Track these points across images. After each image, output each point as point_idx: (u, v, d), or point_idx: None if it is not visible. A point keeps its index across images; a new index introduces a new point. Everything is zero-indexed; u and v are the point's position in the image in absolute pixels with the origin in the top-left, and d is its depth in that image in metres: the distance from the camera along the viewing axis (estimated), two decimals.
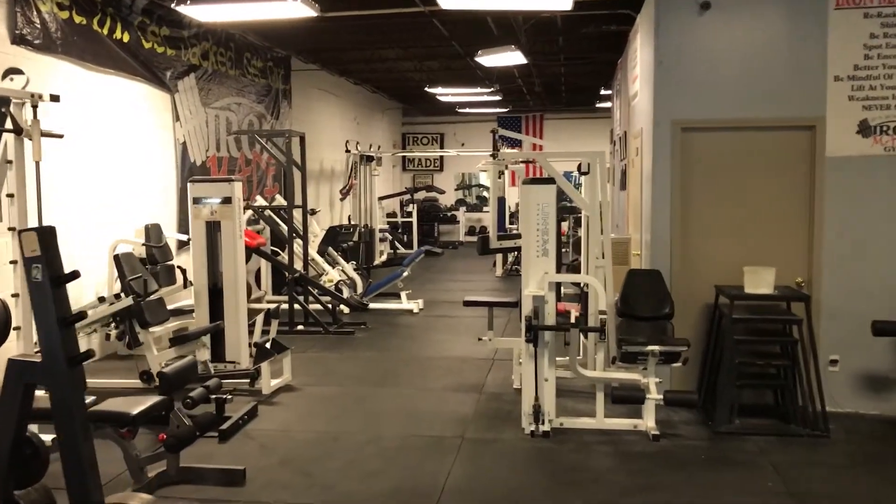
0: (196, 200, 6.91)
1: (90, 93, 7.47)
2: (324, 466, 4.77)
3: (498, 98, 15.53)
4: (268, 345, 6.36)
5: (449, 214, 20.16)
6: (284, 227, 9.37)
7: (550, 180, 5.33)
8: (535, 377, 5.21)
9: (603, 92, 14.83)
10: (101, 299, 6.39)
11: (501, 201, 13.73)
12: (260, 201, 10.29)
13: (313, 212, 10.96)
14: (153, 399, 4.36)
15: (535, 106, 19.07)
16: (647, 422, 5.27)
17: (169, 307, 7.75)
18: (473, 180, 21.94)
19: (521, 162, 6.11)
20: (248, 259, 9.39)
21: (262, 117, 11.37)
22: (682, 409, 5.50)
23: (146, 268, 7.47)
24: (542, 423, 5.20)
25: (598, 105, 17.30)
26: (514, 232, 7.02)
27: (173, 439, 4.22)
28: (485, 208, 21.11)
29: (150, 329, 6.43)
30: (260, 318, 7.05)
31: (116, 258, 6.44)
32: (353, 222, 13.94)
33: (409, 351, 7.95)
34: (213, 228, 6.94)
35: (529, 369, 5.24)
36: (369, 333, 8.74)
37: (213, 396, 5.45)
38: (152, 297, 6.48)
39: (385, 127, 19.23)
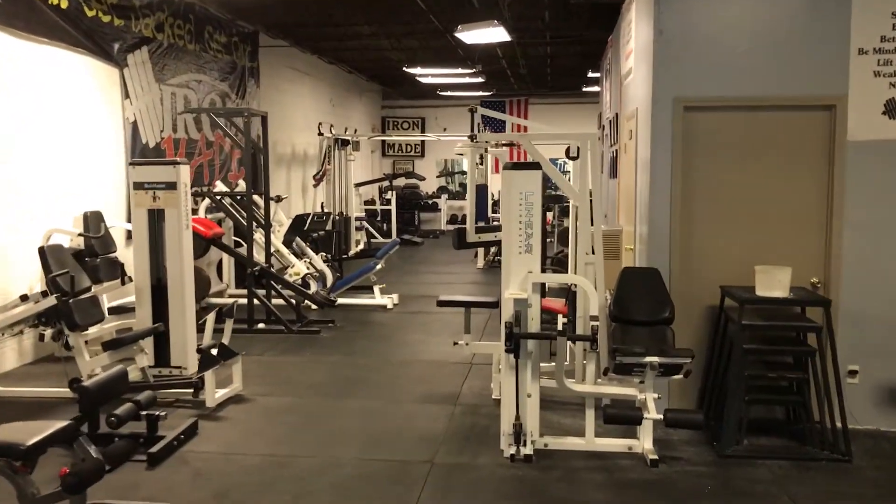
0: (137, 186, 6.15)
1: (22, 64, 6.67)
2: (265, 502, 4.05)
3: (481, 80, 14.80)
4: (214, 350, 5.61)
5: (430, 202, 19.42)
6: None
7: (535, 165, 4.61)
8: (516, 392, 4.51)
9: (591, 74, 14.14)
10: (24, 297, 5.61)
11: (483, 189, 12.99)
12: (220, 187, 9.50)
13: (279, 198, 10.19)
14: (55, 425, 3.61)
15: (519, 90, 18.34)
16: (644, 443, 4.59)
17: (112, 304, 7.03)
18: (456, 167, 21.20)
19: (504, 145, 5.40)
20: (205, 251, 8.66)
21: (226, 96, 10.56)
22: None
23: (85, 261, 6.72)
24: (524, 446, 4.51)
25: (585, 89, 16.61)
26: (496, 224, 6.28)
27: (74, 477, 3.47)
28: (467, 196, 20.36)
29: (83, 331, 5.67)
30: (211, 318, 6.28)
31: (41, 251, 5.67)
32: (325, 210, 13.17)
33: (378, 354, 7.23)
34: (156, 217, 6.18)
35: (510, 383, 4.54)
36: (337, 333, 8.01)
37: (145, 413, 4.73)
38: (85, 294, 5.71)
39: (363, 110, 18.43)
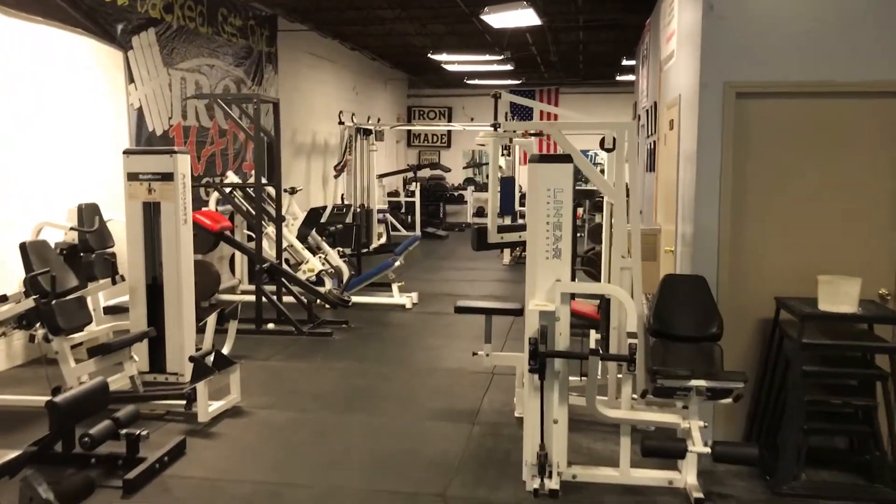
0: (131, 176, 5.68)
1: (13, 46, 6.21)
2: None
3: (510, 68, 14.18)
4: (210, 358, 5.11)
5: (456, 194, 18.84)
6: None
7: (565, 158, 4.03)
8: (541, 418, 3.95)
9: (625, 62, 13.46)
10: (4, 298, 5.15)
11: (510, 182, 12.37)
12: (231, 178, 9.02)
13: (293, 190, 9.67)
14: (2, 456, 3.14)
15: (550, 78, 17.68)
16: (688, 477, 4.01)
17: (109, 303, 6.58)
18: (483, 158, 20.58)
19: (532, 135, 4.82)
20: (214, 245, 8.19)
21: (242, 83, 10.07)
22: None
23: (79, 257, 6.27)
24: (550, 478, 3.95)
25: (618, 78, 15.91)
26: (522, 222, 5.71)
27: None
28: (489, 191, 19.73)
29: (68, 335, 5.20)
30: (211, 320, 5.78)
31: (22, 247, 5.20)
32: (346, 202, 12.66)
33: (392, 360, 6.69)
34: (152, 211, 5.71)
35: (534, 407, 3.97)
36: (350, 335, 7.49)
37: (124, 431, 4.26)
38: (71, 295, 5.24)
39: (388, 98, 17.88)
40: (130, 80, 7.67)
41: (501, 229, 5.08)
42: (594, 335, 3.96)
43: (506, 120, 11.91)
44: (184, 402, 5.00)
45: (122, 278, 5.77)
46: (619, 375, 4.61)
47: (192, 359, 4.98)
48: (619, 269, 4.85)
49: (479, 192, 19.50)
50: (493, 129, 5.07)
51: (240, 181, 9.13)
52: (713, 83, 4.55)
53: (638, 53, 10.99)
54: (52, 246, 6.23)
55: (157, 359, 5.78)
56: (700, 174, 4.62)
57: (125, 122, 7.63)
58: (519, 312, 5.20)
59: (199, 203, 8.87)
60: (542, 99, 18.61)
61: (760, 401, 4.55)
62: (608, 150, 5.09)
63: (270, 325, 7.53)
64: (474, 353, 5.29)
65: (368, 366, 6.44)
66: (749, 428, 4.62)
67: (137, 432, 4.19)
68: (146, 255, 5.71)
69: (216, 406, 5.07)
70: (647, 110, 8.40)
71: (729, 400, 4.04)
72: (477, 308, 5.27)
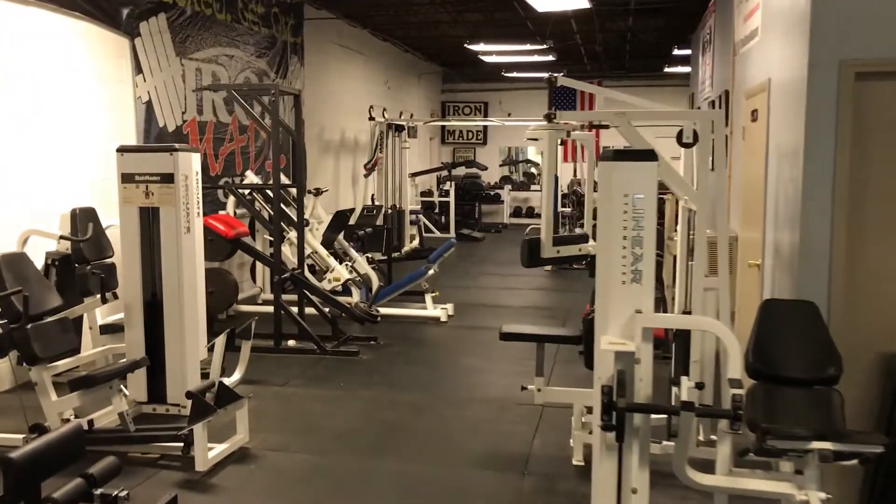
0: (126, 178, 4.94)
1: (4, 31, 5.50)
2: None
3: (551, 59, 13.30)
4: (211, 392, 4.32)
5: (492, 193, 17.98)
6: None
7: (649, 154, 3.17)
8: (617, 488, 3.10)
9: (677, 52, 12.50)
10: None
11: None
12: (251, 178, 8.27)
13: (318, 191, 8.90)
14: None
15: (592, 71, 16.72)
16: None
17: (107, 320, 5.86)
18: (520, 155, 19.71)
19: (593, 127, 3.99)
20: (231, 252, 7.46)
21: (264, 75, 9.33)
22: None
23: (73, 268, 5.55)
24: None
25: (667, 70, 14.96)
26: (578, 232, 4.84)
27: None
28: (533, 187, 18.87)
29: (49, 363, 4.47)
30: (220, 342, 5.01)
31: None
32: (376, 203, 11.88)
33: (426, 387, 5.87)
34: (149, 217, 4.96)
35: (607, 472, 3.13)
36: (378, 354, 6.69)
37: (99, 492, 3.47)
38: (52, 317, 4.50)
39: (422, 94, 17.07)
40: (138, 70, 6.94)
41: (558, 241, 4.24)
42: (686, 382, 3.12)
43: (555, 108, 11.08)
44: (181, 445, 4.23)
45: (115, 295, 5.03)
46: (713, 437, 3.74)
47: (189, 394, 4.20)
48: (703, 291, 4.00)
49: (517, 191, 18.64)
50: (546, 120, 4.23)
51: (260, 182, 8.39)
52: (826, 62, 3.67)
53: (696, 40, 10.05)
54: (45, 256, 5.55)
55: (157, 387, 5.04)
56: (808, 174, 3.73)
57: (132, 117, 6.90)
58: (577, 340, 4.36)
59: (217, 205, 8.15)
60: (584, 93, 17.64)
61: (885, 457, 3.65)
62: (686, 146, 4.24)
63: (291, 342, 6.76)
64: (523, 388, 4.47)
65: (399, 394, 5.63)
66: (868, 494, 3.73)
67: (115, 493, 3.41)
68: (143, 268, 4.98)
69: (219, 450, 4.29)
70: (713, 101, 7.47)
71: (854, 462, 3.16)
72: (526, 335, 4.42)
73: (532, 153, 19.71)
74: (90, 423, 4.47)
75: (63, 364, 4.77)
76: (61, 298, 4.62)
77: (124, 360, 5.17)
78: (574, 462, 4.30)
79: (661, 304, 5.95)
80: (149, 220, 4.96)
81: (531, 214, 18.05)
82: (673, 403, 3.68)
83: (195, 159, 5.11)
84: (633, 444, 3.07)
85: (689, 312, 4.25)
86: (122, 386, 4.40)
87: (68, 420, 4.43)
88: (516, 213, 18.32)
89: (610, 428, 2.99)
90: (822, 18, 3.67)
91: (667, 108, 4.93)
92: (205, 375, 4.97)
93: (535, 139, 4.21)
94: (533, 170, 19.65)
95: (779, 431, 3.03)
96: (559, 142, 4.53)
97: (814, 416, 3.27)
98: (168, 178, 4.84)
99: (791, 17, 4.13)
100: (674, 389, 3.71)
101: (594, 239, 4.06)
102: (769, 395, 3.43)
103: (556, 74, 4.58)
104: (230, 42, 8.53)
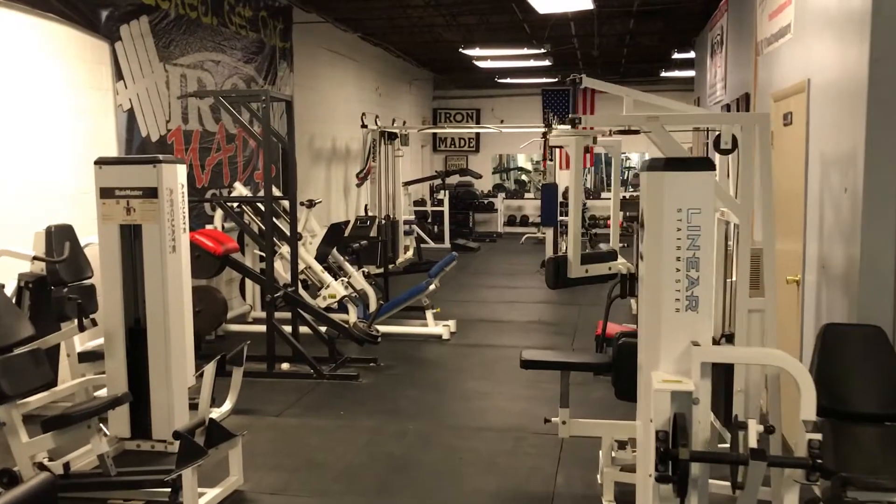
0: (105, 192, 4.50)
1: None
2: None
3: (546, 64, 12.95)
4: (201, 432, 3.88)
5: (486, 202, 17.58)
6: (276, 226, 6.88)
7: (704, 163, 2.78)
8: None
9: (677, 55, 12.17)
10: None
11: (550, 189, 11.10)
12: (239, 189, 7.83)
13: (311, 203, 8.47)
14: None
15: (587, 77, 16.35)
16: None
17: (88, 346, 5.40)
18: (511, 163, 19.34)
19: (621, 132, 3.61)
20: (219, 270, 7.01)
21: (252, 81, 8.89)
22: None
23: (48, 291, 5.09)
24: None
25: (664, 74, 14.64)
26: (602, 247, 4.41)
27: None
28: (526, 195, 18.51)
29: (19, 399, 4.01)
30: (210, 370, 4.57)
31: None
32: (369, 213, 11.45)
33: (431, 414, 5.44)
34: (131, 235, 4.53)
35: None
36: (379, 376, 6.26)
37: None
38: (22, 348, 4.05)
39: (413, 101, 16.66)
40: (119, 76, 6.49)
41: (587, 259, 3.83)
42: (754, 425, 2.70)
43: (549, 120, 10.69)
44: (168, 491, 3.78)
45: (94, 322, 4.58)
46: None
47: (177, 434, 3.75)
48: (747, 313, 3.60)
49: (510, 199, 18.27)
50: (570, 125, 3.84)
51: (249, 193, 7.95)
52: (890, 58, 3.28)
53: (702, 42, 9.71)
54: (17, 278, 5.09)
55: (141, 421, 4.59)
56: (870, 183, 3.35)
57: (112, 127, 6.45)
58: (607, 368, 3.95)
59: (204, 219, 7.70)
60: (579, 99, 17.30)
61: None
62: (724, 152, 3.85)
63: (285, 366, 6.32)
64: (546, 421, 4.06)
65: (403, 422, 5.19)
66: None
67: None
68: (125, 291, 4.53)
69: (211, 496, 3.85)
70: (727, 106, 7.10)
71: None
72: (550, 363, 4.01)
73: (522, 160, 19.34)
74: (66, 466, 4.02)
75: (36, 399, 4.30)
76: (33, 327, 4.15)
77: (104, 390, 4.75)
78: (605, 503, 3.89)
79: None
80: (130, 239, 4.52)
81: (525, 223, 17.69)
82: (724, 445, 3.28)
83: (181, 171, 4.67)
84: (694, 496, 2.66)
85: (730, 336, 3.87)
86: (101, 425, 3.95)
87: (41, 464, 3.98)
88: (510, 221, 17.94)
89: (667, 479, 2.59)
90: (884, 9, 3.29)
91: (703, 111, 4.54)
92: (193, 406, 4.54)
93: (560, 145, 3.80)
94: (523, 177, 19.27)
95: (861, 482, 2.63)
96: (586, 148, 4.13)
97: (892, 460, 2.88)
98: (151, 193, 4.40)
99: (839, 11, 3.76)
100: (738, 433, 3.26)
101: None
102: (837, 434, 3.03)
103: (579, 76, 4.16)
104: (216, 47, 8.09)
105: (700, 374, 2.68)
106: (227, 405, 5.10)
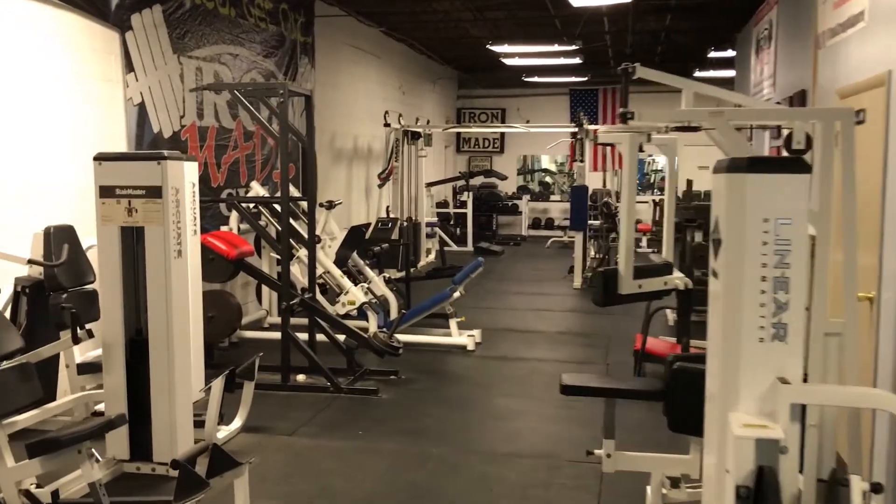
0: (105, 191, 4.12)
1: None
2: None
3: (576, 62, 12.50)
4: (203, 460, 3.48)
5: (510, 204, 17.13)
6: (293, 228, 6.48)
7: (798, 165, 2.34)
8: None
9: (714, 54, 11.68)
10: None
11: (580, 192, 10.68)
12: (256, 189, 7.45)
13: (331, 204, 8.07)
14: None
15: (617, 76, 15.87)
16: None
17: (88, 357, 5.04)
18: (536, 164, 18.87)
19: (678, 129, 3.22)
20: (233, 274, 6.64)
21: (272, 76, 8.51)
22: None
23: (47, 296, 4.72)
24: None
25: (698, 74, 14.10)
26: (653, 258, 3.97)
27: None
28: (552, 197, 18.04)
29: (5, 419, 3.64)
30: (217, 385, 4.17)
31: None
32: (391, 215, 11.05)
33: (457, 436, 5.02)
34: (133, 238, 4.15)
35: None
36: (400, 391, 5.85)
37: None
38: (10, 362, 3.67)
39: (436, 100, 16.25)
40: (129, 68, 6.14)
41: (640, 273, 3.40)
42: (858, 483, 2.27)
43: (579, 119, 10.23)
44: None
45: (90, 333, 4.20)
46: None
47: (176, 464, 3.36)
48: (823, 337, 3.13)
49: (535, 201, 17.81)
50: (622, 121, 3.40)
51: (267, 194, 7.57)
52: None
53: (745, 39, 9.22)
54: (14, 282, 4.74)
55: (141, 441, 4.21)
56: None
57: (122, 121, 6.09)
58: (660, 395, 3.50)
59: (220, 220, 7.34)
60: (607, 99, 16.83)
61: None
62: (798, 153, 3.38)
63: (301, 377, 5.93)
64: (589, 453, 3.63)
65: (426, 445, 4.77)
66: None
67: None
68: (126, 299, 4.15)
69: None
70: (777, 104, 6.62)
71: None
72: (594, 389, 3.56)
73: (546, 162, 18.84)
74: (55, 494, 3.64)
75: (26, 418, 3.94)
76: (22, 339, 3.78)
77: (101, 406, 4.38)
78: None
79: None
80: (132, 242, 4.14)
81: (550, 226, 17.22)
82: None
83: (189, 169, 4.29)
84: None
85: None
86: (93, 450, 3.55)
87: (27, 491, 3.60)
88: (535, 224, 17.48)
89: None
90: None
91: (774, 107, 4.08)
92: (199, 423, 4.16)
93: (611, 143, 3.36)
94: (548, 179, 18.81)
95: None
96: (640, 147, 3.68)
97: None
98: (155, 192, 4.02)
99: None
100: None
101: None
102: None
103: (632, 65, 3.72)
104: (234, 39, 7.72)
105: (789, 417, 2.23)
106: (237, 423, 4.71)
